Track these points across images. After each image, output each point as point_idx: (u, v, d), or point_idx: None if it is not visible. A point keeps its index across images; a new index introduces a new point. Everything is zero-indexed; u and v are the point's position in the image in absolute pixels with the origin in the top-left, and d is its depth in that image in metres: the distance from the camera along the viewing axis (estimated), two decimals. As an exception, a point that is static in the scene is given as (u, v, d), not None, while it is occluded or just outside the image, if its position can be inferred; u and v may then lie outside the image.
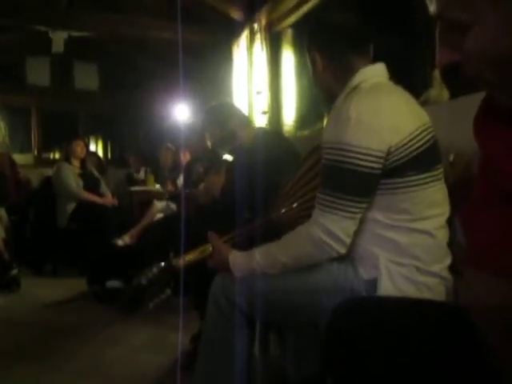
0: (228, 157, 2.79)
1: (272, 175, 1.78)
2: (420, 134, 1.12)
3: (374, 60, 1.28)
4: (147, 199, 4.09)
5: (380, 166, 1.08)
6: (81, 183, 3.93)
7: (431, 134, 1.17)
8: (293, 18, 3.73)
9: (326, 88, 1.33)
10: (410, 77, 2.63)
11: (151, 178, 4.86)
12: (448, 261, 1.17)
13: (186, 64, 5.63)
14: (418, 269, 1.13)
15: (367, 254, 1.16)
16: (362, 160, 1.06)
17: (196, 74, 5.75)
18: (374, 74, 1.23)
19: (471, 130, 0.71)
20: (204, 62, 5.37)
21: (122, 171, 5.95)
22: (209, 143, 3.03)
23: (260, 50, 3.93)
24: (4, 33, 5.54)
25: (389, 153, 1.08)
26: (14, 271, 3.67)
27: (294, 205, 1.40)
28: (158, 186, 4.50)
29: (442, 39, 0.63)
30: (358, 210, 1.10)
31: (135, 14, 4.82)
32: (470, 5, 0.57)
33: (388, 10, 2.64)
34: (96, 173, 4.27)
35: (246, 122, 2.32)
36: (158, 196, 3.99)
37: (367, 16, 1.31)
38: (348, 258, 1.18)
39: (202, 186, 2.80)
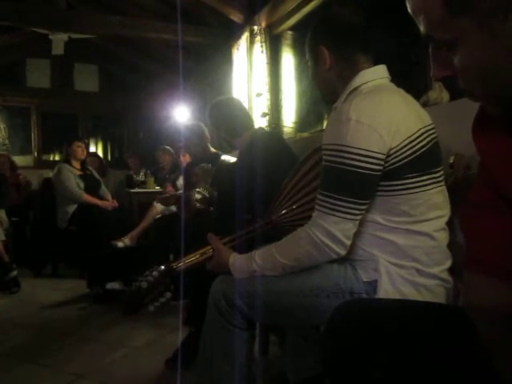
0: (226, 157, 2.80)
1: (270, 176, 1.78)
2: (421, 135, 1.12)
3: (375, 61, 1.28)
4: (147, 201, 4.10)
5: (380, 167, 1.08)
6: (81, 185, 3.93)
7: (432, 136, 1.17)
8: (293, 20, 3.73)
9: (328, 86, 1.32)
10: (409, 78, 2.63)
11: (151, 180, 4.87)
12: (448, 263, 1.17)
13: (186, 66, 5.65)
14: (418, 271, 1.13)
15: (367, 256, 1.16)
16: (361, 161, 1.06)
17: (196, 76, 5.76)
18: (376, 75, 1.23)
19: (471, 132, 0.72)
20: (204, 64, 5.38)
21: (122, 173, 5.95)
22: (210, 146, 3.05)
23: (260, 52, 3.93)
24: (4, 34, 5.55)
25: (389, 154, 1.08)
26: (14, 272, 3.67)
27: (294, 206, 1.40)
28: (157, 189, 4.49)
29: (434, 56, 0.65)
30: (357, 212, 1.10)
31: (135, 15, 4.83)
32: (453, 25, 0.59)
33: (387, 11, 2.65)
34: (96, 174, 4.27)
35: (249, 121, 2.32)
36: (163, 201, 3.86)
37: (371, 17, 1.30)
38: (348, 259, 1.18)
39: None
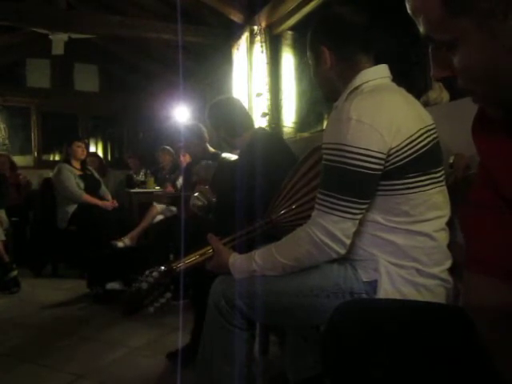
0: (227, 155, 2.79)
1: (270, 176, 1.78)
2: (421, 135, 1.11)
3: (376, 61, 1.28)
4: (147, 201, 4.11)
5: (380, 167, 1.08)
6: (81, 185, 3.93)
7: (433, 136, 1.16)
8: (293, 20, 3.73)
9: (329, 85, 1.32)
10: (409, 78, 2.63)
11: (151, 180, 4.87)
12: (448, 263, 1.17)
13: (186, 66, 5.65)
14: (418, 271, 1.13)
15: (367, 256, 1.16)
16: (362, 161, 1.06)
17: (196, 76, 5.76)
18: (377, 75, 1.23)
19: (471, 132, 0.72)
20: (204, 64, 5.38)
21: (122, 173, 5.96)
22: (207, 146, 3.05)
23: (260, 52, 3.93)
24: (4, 34, 5.55)
25: (389, 154, 1.08)
26: (14, 272, 3.67)
27: (294, 206, 1.40)
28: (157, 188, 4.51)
29: (434, 56, 0.65)
30: (357, 212, 1.10)
31: (135, 15, 4.83)
32: (452, 25, 0.58)
33: (388, 11, 2.64)
34: (96, 174, 4.27)
35: (249, 121, 2.29)
36: (157, 199, 3.98)
37: (372, 17, 1.30)
38: (348, 259, 1.18)
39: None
